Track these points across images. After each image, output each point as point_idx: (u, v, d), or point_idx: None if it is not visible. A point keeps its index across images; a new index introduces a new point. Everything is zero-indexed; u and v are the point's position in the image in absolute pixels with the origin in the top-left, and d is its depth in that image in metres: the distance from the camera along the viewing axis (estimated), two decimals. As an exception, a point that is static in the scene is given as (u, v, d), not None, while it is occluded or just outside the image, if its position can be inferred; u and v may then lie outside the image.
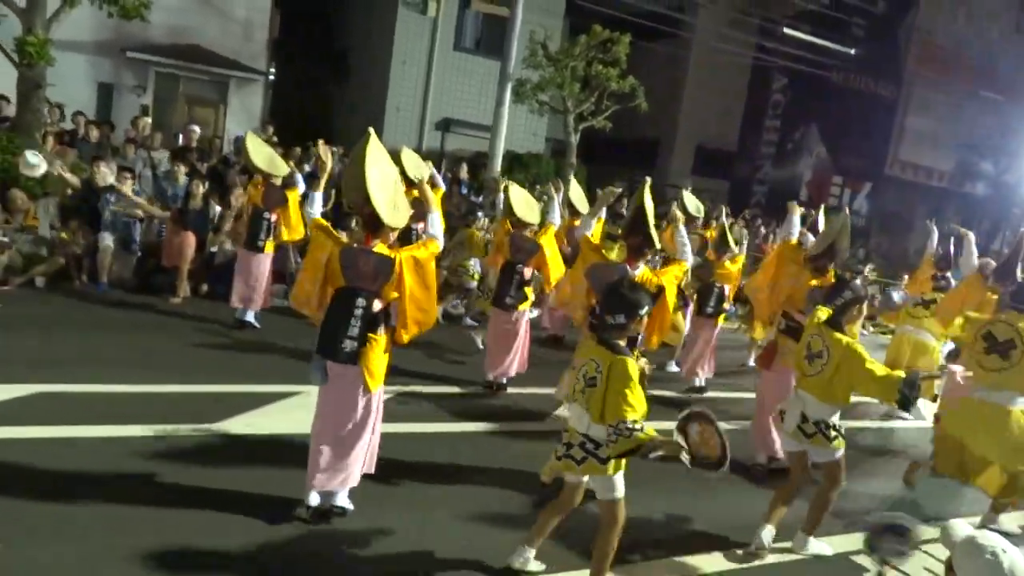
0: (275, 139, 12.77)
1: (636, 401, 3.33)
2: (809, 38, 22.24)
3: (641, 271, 4.94)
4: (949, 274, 8.22)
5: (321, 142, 5.04)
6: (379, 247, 3.93)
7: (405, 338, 4.08)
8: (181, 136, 12.25)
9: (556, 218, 7.10)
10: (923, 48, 25.58)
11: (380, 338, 3.97)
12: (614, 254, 7.00)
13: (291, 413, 5.44)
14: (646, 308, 3.57)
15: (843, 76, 24.87)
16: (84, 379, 5.58)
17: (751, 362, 9.10)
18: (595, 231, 6.27)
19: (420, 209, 6.86)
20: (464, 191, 13.47)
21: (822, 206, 8.09)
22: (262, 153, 7.63)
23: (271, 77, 20.39)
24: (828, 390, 4.24)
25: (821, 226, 6.83)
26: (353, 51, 21.82)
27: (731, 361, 9.44)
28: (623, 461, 3.51)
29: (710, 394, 7.88)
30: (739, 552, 4.42)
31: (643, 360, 3.80)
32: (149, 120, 12.37)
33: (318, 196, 4.50)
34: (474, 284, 9.77)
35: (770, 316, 6.02)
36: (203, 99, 17.02)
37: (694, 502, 4.87)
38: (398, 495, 4.54)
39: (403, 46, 18.89)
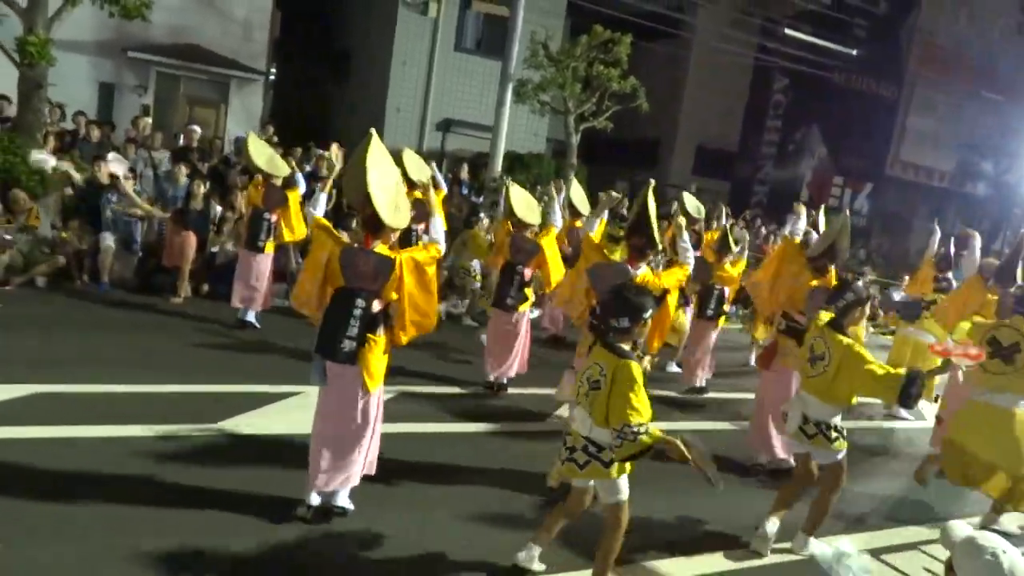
0: (275, 139, 12.77)
1: (641, 405, 3.34)
2: (810, 38, 22.25)
3: (643, 272, 4.94)
4: (950, 275, 8.22)
5: (335, 146, 5.06)
6: (379, 248, 3.93)
7: (403, 339, 4.08)
8: (182, 136, 12.24)
9: (558, 220, 7.10)
10: (924, 49, 25.60)
11: (379, 339, 3.97)
12: (616, 255, 7.00)
13: (291, 413, 5.44)
14: (650, 311, 3.58)
15: (844, 77, 24.88)
16: (84, 379, 5.58)
17: (752, 362, 9.10)
18: (597, 231, 6.27)
19: (420, 210, 6.93)
20: (465, 191, 13.47)
21: (823, 206, 8.09)
22: (263, 153, 7.64)
23: (271, 77, 20.41)
24: (830, 391, 4.25)
25: (822, 226, 6.84)
26: (353, 51, 21.83)
27: (731, 361, 9.44)
28: (627, 465, 3.51)
29: (710, 394, 7.88)
30: (739, 552, 4.42)
31: (645, 359, 3.81)
32: (150, 120, 12.36)
33: (323, 197, 4.53)
34: (477, 285, 9.78)
35: (770, 315, 6.03)
36: (204, 99, 17.03)
37: (694, 502, 4.86)
38: (398, 495, 4.54)
39: (403, 46, 18.89)
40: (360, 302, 3.87)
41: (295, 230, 7.75)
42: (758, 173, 27.19)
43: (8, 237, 8.00)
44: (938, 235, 8.68)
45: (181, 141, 12.04)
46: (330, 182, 4.60)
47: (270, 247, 7.74)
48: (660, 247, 5.50)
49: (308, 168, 11.51)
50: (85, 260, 8.64)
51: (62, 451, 4.44)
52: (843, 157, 26.27)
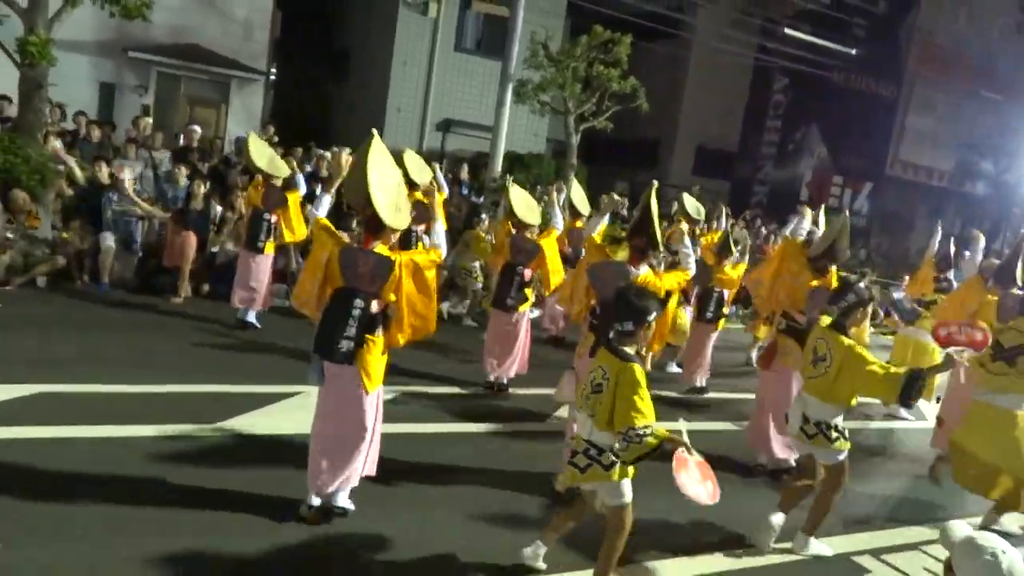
0: (276, 139, 12.77)
1: (645, 407, 3.36)
2: (810, 38, 22.25)
3: (644, 272, 4.95)
4: (951, 275, 8.23)
5: (346, 152, 5.05)
6: (379, 248, 3.93)
7: (401, 341, 4.08)
8: (182, 136, 12.24)
9: (559, 222, 7.09)
10: (924, 48, 25.60)
11: (377, 340, 3.97)
12: (618, 257, 7.01)
13: (292, 413, 5.44)
14: (654, 314, 3.58)
15: (844, 76, 24.89)
16: (84, 379, 5.58)
17: (753, 358, 9.09)
18: (598, 232, 6.27)
19: (421, 211, 6.92)
20: (465, 192, 13.47)
21: (823, 206, 8.09)
22: (263, 154, 7.64)
23: (272, 77, 20.40)
24: (830, 391, 4.26)
25: (822, 226, 6.84)
26: (354, 51, 21.83)
27: (731, 361, 9.45)
28: (629, 468, 3.52)
29: (711, 394, 7.88)
30: (740, 552, 4.42)
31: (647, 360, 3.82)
32: (150, 120, 12.35)
33: (327, 199, 4.54)
34: (479, 285, 9.79)
35: (769, 314, 6.03)
36: (204, 99, 17.03)
37: (695, 502, 4.86)
38: (398, 495, 4.54)
39: (404, 46, 18.89)
40: (359, 302, 3.87)
41: (295, 231, 7.75)
42: (758, 173, 27.20)
43: (9, 236, 8.01)
44: (939, 235, 8.68)
45: (182, 141, 12.04)
46: (334, 185, 4.59)
47: (270, 248, 7.74)
48: (662, 248, 5.50)
49: (309, 168, 11.52)
50: (85, 260, 8.64)
51: (62, 451, 4.44)
52: (843, 157, 26.28)
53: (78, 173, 9.22)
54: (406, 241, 7.03)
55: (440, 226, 4.35)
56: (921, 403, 7.69)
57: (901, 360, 7.80)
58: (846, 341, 4.22)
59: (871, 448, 7.00)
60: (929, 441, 6.74)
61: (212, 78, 16.81)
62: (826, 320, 4.47)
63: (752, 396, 6.32)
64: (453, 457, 5.25)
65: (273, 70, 20.60)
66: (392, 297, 3.95)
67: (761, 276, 6.17)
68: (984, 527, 4.90)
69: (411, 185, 6.87)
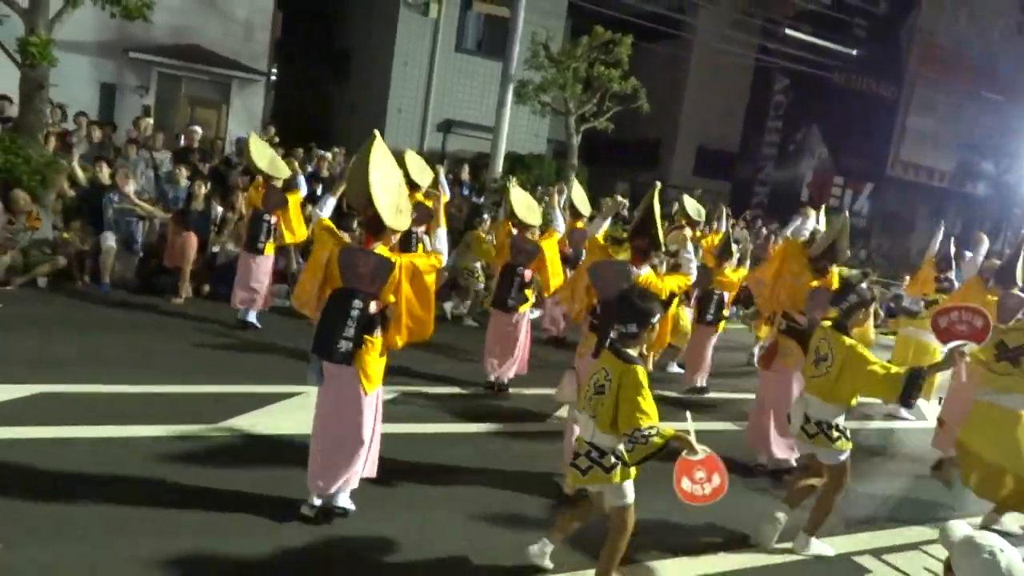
0: (276, 140, 12.78)
1: (649, 408, 3.36)
2: (811, 39, 22.24)
3: (646, 273, 4.95)
4: (951, 275, 8.23)
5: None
6: (380, 249, 3.93)
7: (399, 343, 4.07)
8: (183, 137, 12.25)
9: (560, 224, 7.08)
10: (924, 49, 25.59)
11: (376, 340, 3.96)
12: (620, 257, 7.01)
13: (292, 413, 5.44)
14: (658, 316, 3.58)
15: (845, 77, 24.88)
16: (85, 379, 5.58)
17: (756, 354, 9.08)
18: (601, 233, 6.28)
19: (421, 212, 6.92)
20: (465, 192, 13.47)
21: (823, 207, 8.10)
22: (264, 155, 7.64)
23: (273, 78, 20.41)
24: (832, 391, 4.27)
25: (822, 227, 6.84)
26: (355, 52, 21.84)
27: (731, 361, 9.45)
28: (631, 470, 3.52)
29: (712, 394, 7.88)
30: (741, 552, 4.42)
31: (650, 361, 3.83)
32: (151, 121, 12.36)
33: (332, 200, 4.57)
34: (481, 286, 9.79)
35: (770, 314, 6.04)
36: (205, 100, 17.05)
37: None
38: (399, 495, 4.54)
39: (404, 47, 18.90)
40: (357, 303, 3.86)
41: (295, 232, 7.75)
42: (759, 174, 27.20)
43: (10, 236, 8.01)
44: (940, 235, 8.68)
45: (182, 142, 12.04)
46: (341, 187, 4.59)
47: (270, 249, 7.74)
48: (664, 249, 5.50)
49: (310, 168, 11.54)
50: (86, 260, 8.65)
51: (62, 451, 4.44)
52: (843, 157, 26.27)
53: (79, 176, 9.23)
54: (406, 243, 7.03)
55: (443, 232, 4.34)
56: (921, 403, 7.70)
57: (902, 360, 7.80)
58: (848, 341, 4.23)
59: (871, 448, 6.99)
60: (930, 441, 6.73)
61: (213, 79, 16.82)
62: (829, 320, 4.47)
63: (753, 396, 6.32)
64: (453, 457, 5.25)
65: (274, 71, 20.62)
66: (391, 299, 3.95)
67: (762, 276, 6.17)
68: (985, 527, 4.90)
69: (412, 186, 6.87)
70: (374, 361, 3.98)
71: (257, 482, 4.37)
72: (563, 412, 6.18)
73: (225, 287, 8.19)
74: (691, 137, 25.80)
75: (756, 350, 9.15)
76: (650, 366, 3.76)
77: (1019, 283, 6.40)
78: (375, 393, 4.06)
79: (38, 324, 7.00)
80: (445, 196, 7.21)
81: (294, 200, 7.64)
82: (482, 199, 13.49)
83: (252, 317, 7.83)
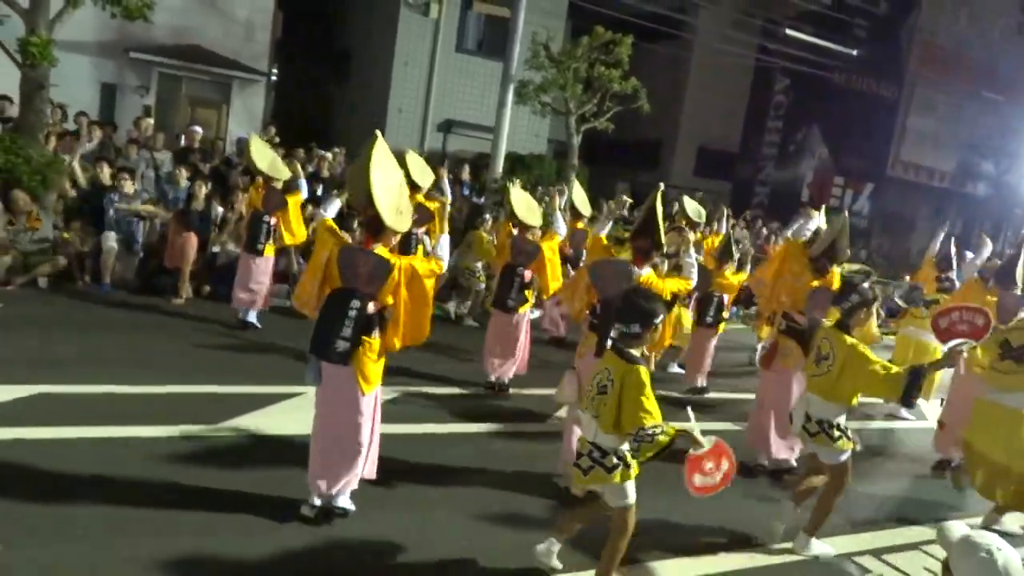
0: (277, 140, 12.79)
1: (652, 407, 3.38)
2: (811, 39, 22.23)
3: (647, 273, 4.95)
4: (952, 274, 8.23)
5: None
6: (380, 250, 3.93)
7: (397, 345, 4.07)
8: (183, 137, 12.26)
9: (561, 227, 7.06)
10: (925, 49, 25.57)
11: (374, 341, 3.96)
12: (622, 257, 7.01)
13: (292, 414, 5.44)
14: (661, 317, 3.59)
15: (845, 77, 24.86)
16: (85, 380, 5.59)
17: (757, 352, 9.07)
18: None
19: (422, 214, 6.92)
20: (466, 192, 13.48)
21: (824, 207, 8.09)
22: (265, 156, 7.65)
23: (273, 78, 20.41)
24: (833, 390, 4.29)
25: (823, 227, 6.84)
26: (355, 52, 21.84)
27: (731, 361, 9.45)
28: (632, 470, 3.53)
29: (712, 394, 7.88)
30: (741, 552, 4.42)
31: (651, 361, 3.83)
32: (151, 121, 12.36)
33: (337, 201, 4.57)
34: (482, 286, 9.79)
35: (770, 314, 6.04)
36: (205, 100, 17.04)
37: (696, 502, 4.84)
38: (399, 496, 4.54)
39: (405, 47, 18.89)
40: (355, 303, 3.86)
41: (295, 233, 7.75)
42: (759, 174, 27.18)
43: (7, 234, 8.01)
44: (941, 235, 8.68)
45: (183, 142, 12.05)
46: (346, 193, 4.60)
47: (270, 250, 7.75)
48: (665, 250, 5.51)
49: (311, 169, 11.53)
50: (87, 261, 8.65)
51: (63, 452, 4.44)
52: (844, 157, 26.25)
53: (80, 177, 9.24)
54: (406, 244, 7.02)
55: (445, 238, 4.34)
56: (922, 403, 7.69)
57: (903, 360, 7.79)
58: (849, 340, 4.24)
59: (872, 448, 6.98)
60: (930, 442, 6.74)
61: (213, 79, 16.81)
62: (831, 319, 4.48)
63: (753, 396, 6.32)
64: (454, 458, 5.25)
65: (274, 71, 20.60)
66: (390, 300, 3.95)
67: (763, 276, 6.17)
68: (985, 527, 4.89)
69: (413, 187, 6.86)
70: (371, 362, 3.97)
71: (257, 482, 4.37)
72: (563, 412, 6.18)
73: (225, 287, 8.19)
74: (691, 137, 25.79)
75: (759, 349, 9.14)
76: (652, 366, 3.76)
77: (1019, 283, 6.40)
78: (373, 394, 4.06)
79: (38, 324, 7.00)
80: (447, 199, 7.24)
81: (294, 202, 7.65)
82: (482, 199, 13.49)
83: (252, 317, 7.84)
